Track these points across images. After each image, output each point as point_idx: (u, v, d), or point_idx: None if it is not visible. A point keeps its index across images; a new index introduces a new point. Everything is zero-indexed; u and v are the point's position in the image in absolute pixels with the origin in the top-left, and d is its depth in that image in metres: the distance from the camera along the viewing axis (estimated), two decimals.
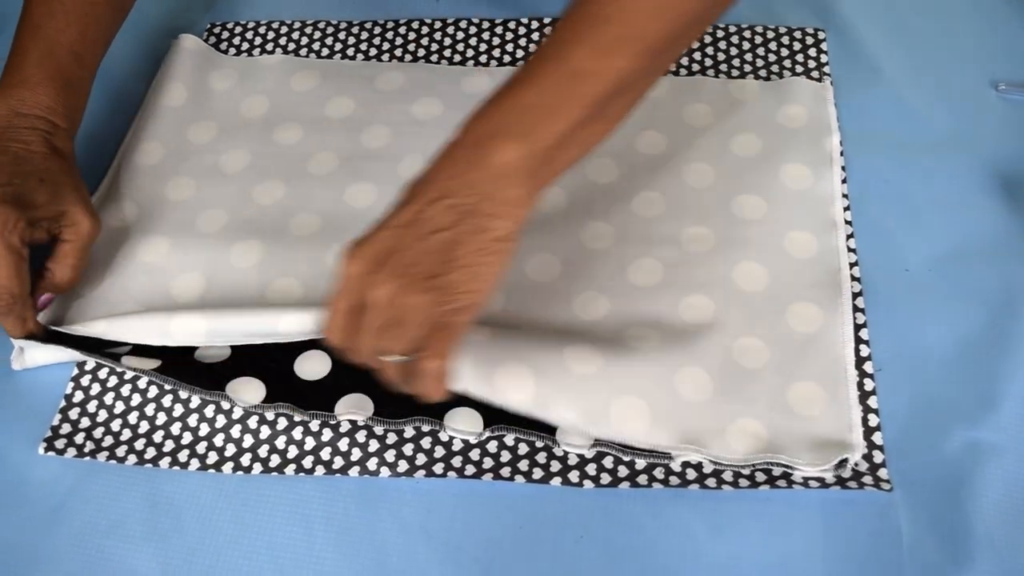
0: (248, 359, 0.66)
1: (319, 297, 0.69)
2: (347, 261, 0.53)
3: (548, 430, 0.61)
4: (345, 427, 0.63)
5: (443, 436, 0.62)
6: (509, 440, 0.62)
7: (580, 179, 0.74)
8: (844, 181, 0.73)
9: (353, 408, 0.62)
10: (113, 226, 0.74)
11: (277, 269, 0.70)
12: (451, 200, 0.52)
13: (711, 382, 0.62)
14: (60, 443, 0.64)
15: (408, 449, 0.62)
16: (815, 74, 0.80)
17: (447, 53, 0.85)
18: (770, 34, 0.83)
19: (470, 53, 0.85)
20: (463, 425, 0.62)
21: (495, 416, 0.62)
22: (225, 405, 0.64)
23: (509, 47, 0.85)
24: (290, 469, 0.62)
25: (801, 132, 0.76)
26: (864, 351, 0.64)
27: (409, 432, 0.63)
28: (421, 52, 0.85)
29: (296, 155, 0.78)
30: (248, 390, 0.64)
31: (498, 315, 0.67)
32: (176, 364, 0.65)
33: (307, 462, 0.62)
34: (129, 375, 0.66)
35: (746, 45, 0.83)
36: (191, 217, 0.74)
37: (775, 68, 0.81)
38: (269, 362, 0.65)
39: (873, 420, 0.61)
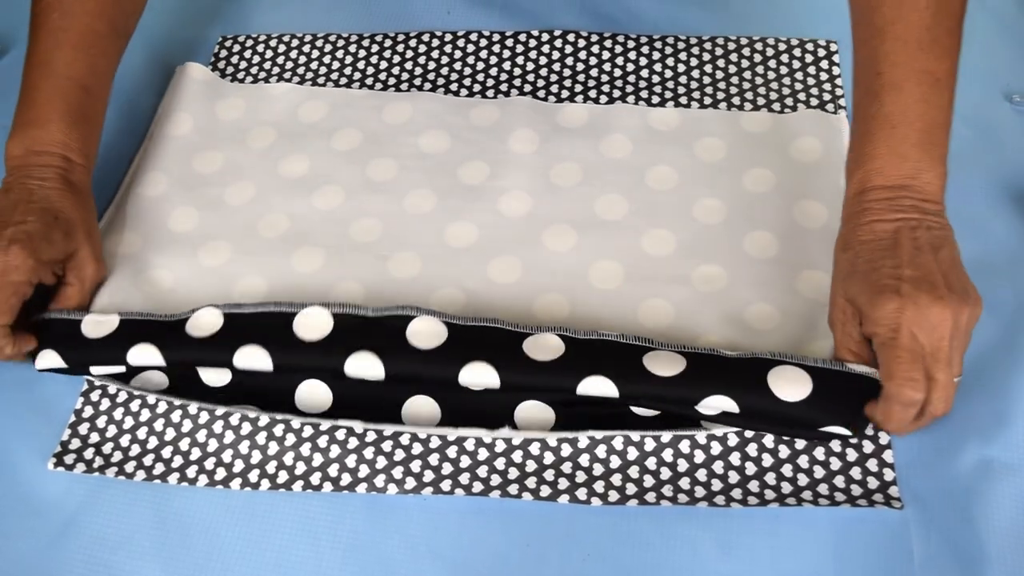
0: (248, 388, 0.66)
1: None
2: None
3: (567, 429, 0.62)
4: (353, 443, 0.63)
5: (451, 453, 0.62)
6: (516, 457, 0.62)
7: (588, 216, 0.73)
8: None
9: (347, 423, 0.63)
10: (117, 254, 0.73)
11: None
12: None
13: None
14: (69, 458, 0.64)
15: (415, 466, 0.62)
16: (827, 86, 0.79)
17: (458, 66, 0.85)
18: (782, 46, 0.83)
19: (480, 66, 0.84)
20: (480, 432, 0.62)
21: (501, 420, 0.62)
22: (233, 420, 0.65)
23: (520, 59, 0.84)
24: (298, 485, 0.62)
25: (815, 167, 0.74)
26: None
27: (417, 449, 0.62)
28: (432, 65, 0.85)
29: (302, 188, 0.77)
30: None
31: None
32: (181, 386, 0.66)
33: (315, 478, 0.62)
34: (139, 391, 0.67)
35: (758, 58, 0.82)
36: (193, 249, 0.73)
37: (787, 81, 0.80)
38: (268, 394, 0.65)
39: (884, 437, 0.61)
